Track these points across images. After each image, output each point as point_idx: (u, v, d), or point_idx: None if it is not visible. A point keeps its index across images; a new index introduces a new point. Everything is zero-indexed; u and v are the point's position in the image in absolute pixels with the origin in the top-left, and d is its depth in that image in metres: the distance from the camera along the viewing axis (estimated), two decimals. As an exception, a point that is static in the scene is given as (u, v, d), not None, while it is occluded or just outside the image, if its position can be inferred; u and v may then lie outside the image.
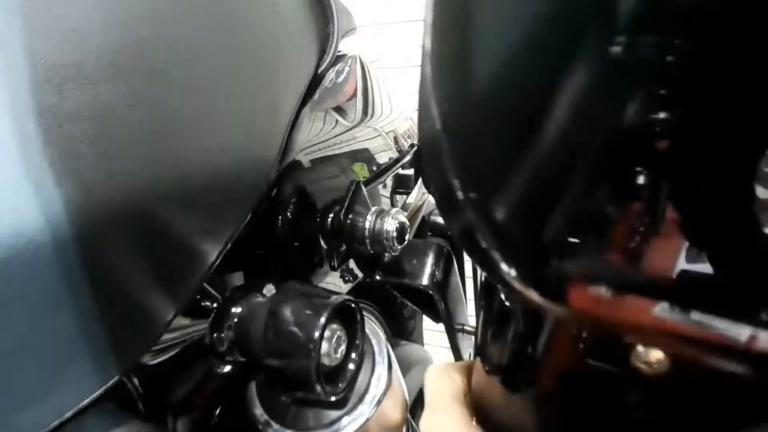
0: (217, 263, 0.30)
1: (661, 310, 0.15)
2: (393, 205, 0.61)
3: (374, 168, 0.55)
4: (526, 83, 0.14)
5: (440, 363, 0.33)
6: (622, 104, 0.14)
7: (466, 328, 0.49)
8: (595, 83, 0.14)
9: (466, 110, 0.15)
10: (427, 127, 0.17)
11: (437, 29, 0.15)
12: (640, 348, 0.19)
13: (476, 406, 0.30)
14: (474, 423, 0.28)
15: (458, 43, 0.15)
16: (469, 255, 0.18)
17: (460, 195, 0.15)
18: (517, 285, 0.16)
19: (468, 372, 0.31)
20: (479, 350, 0.30)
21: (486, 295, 0.28)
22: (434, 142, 0.16)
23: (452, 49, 0.15)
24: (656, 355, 0.19)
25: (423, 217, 0.67)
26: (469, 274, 0.55)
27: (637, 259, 0.16)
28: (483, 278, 0.30)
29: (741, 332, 0.14)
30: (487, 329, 0.28)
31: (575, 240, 0.16)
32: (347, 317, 0.33)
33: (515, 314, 0.25)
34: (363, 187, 0.42)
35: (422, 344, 0.90)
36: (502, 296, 0.25)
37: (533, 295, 0.16)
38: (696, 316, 0.15)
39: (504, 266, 0.16)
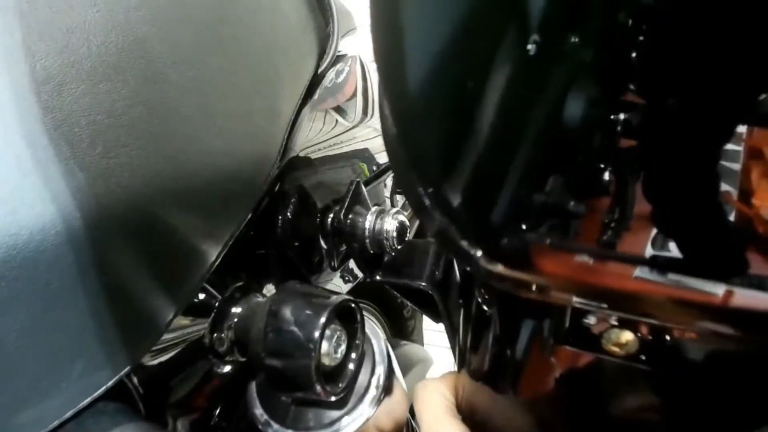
0: (217, 263, 0.30)
1: (640, 271, 0.16)
2: (393, 205, 0.61)
3: (374, 168, 0.55)
4: (453, 83, 0.16)
5: (426, 379, 0.33)
6: (539, 95, 0.16)
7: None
8: (513, 79, 0.15)
9: (408, 109, 0.16)
10: (386, 130, 0.18)
11: (375, 31, 0.16)
12: (610, 329, 0.20)
13: (469, 417, 0.30)
14: None
15: (392, 46, 0.16)
16: (445, 251, 0.19)
17: (420, 191, 0.17)
18: (485, 264, 0.17)
19: (455, 384, 0.31)
20: (461, 357, 0.30)
21: (464, 302, 0.29)
22: (391, 144, 0.17)
23: (390, 50, 0.16)
24: (626, 336, 0.20)
25: (423, 217, 0.67)
26: (469, 274, 0.55)
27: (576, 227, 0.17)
28: (459, 287, 0.31)
29: (717, 289, 0.15)
30: (467, 335, 0.28)
31: (521, 214, 0.17)
32: (347, 317, 0.33)
33: (492, 318, 0.25)
34: (363, 187, 0.42)
35: (422, 344, 0.90)
36: (479, 299, 0.25)
37: (500, 269, 0.17)
38: (673, 276, 0.16)
39: (471, 251, 0.17)
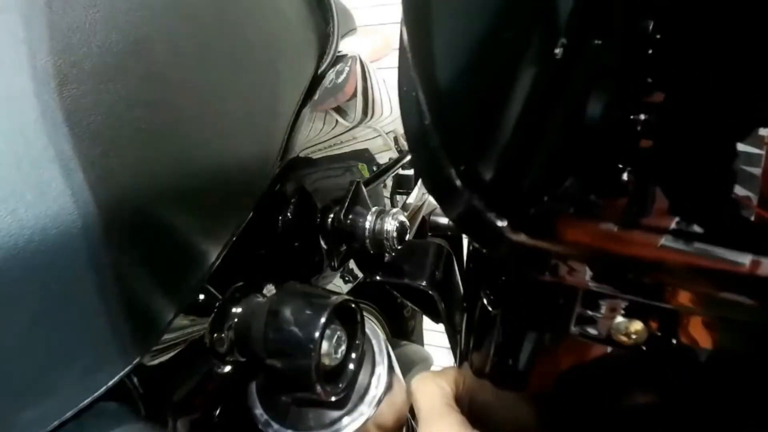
0: (217, 263, 0.30)
1: (665, 240, 0.16)
2: (393, 205, 0.61)
3: (374, 168, 0.55)
4: (485, 76, 0.18)
5: (423, 373, 0.33)
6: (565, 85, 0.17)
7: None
8: (539, 78, 0.17)
9: (443, 96, 0.17)
10: (412, 117, 0.19)
11: (408, 23, 0.18)
12: (619, 319, 0.20)
13: (468, 410, 0.30)
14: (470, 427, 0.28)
15: (423, 35, 0.17)
16: (467, 231, 0.20)
17: (451, 172, 0.18)
18: (511, 235, 0.19)
19: (453, 378, 0.31)
20: (463, 357, 0.30)
21: (468, 303, 0.29)
22: (419, 131, 0.18)
23: (421, 40, 0.17)
24: (635, 326, 0.20)
25: (423, 217, 0.67)
26: (469, 274, 0.55)
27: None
28: (465, 288, 0.31)
29: (744, 258, 0.15)
30: (471, 336, 0.29)
31: (551, 186, 0.19)
32: (347, 317, 0.33)
33: (497, 318, 0.25)
34: (363, 187, 0.42)
35: (422, 344, 0.90)
36: (485, 300, 0.26)
37: (524, 239, 0.18)
38: (699, 245, 0.16)
39: (498, 222, 0.18)
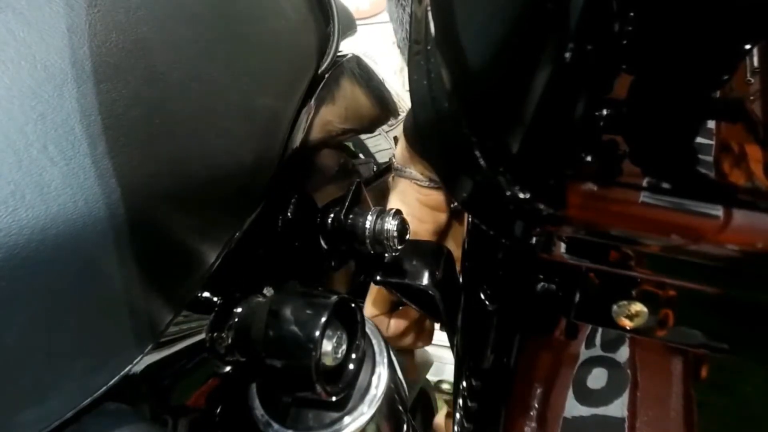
0: (217, 263, 0.30)
1: (644, 196, 0.18)
2: (393, 205, 0.61)
3: (374, 168, 0.55)
4: (508, 70, 0.20)
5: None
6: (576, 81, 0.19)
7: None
8: (553, 74, 0.19)
9: (473, 81, 0.20)
10: (426, 105, 0.21)
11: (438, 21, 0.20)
12: (622, 302, 0.21)
13: None
14: None
15: (451, 31, 0.19)
16: (483, 210, 0.22)
17: (477, 154, 0.20)
18: (529, 205, 0.20)
19: None
20: (461, 354, 0.31)
21: (465, 302, 0.29)
22: (444, 117, 0.20)
23: (450, 36, 0.19)
24: (636, 307, 0.21)
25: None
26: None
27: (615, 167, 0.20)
28: (462, 286, 0.32)
29: (716, 210, 0.17)
30: (467, 332, 0.29)
31: (566, 159, 0.20)
32: (347, 317, 0.33)
33: (494, 314, 0.26)
34: (363, 187, 0.42)
35: (422, 344, 0.89)
36: (482, 295, 0.26)
37: (542, 207, 0.20)
38: (676, 199, 0.18)
39: (521, 194, 0.20)
